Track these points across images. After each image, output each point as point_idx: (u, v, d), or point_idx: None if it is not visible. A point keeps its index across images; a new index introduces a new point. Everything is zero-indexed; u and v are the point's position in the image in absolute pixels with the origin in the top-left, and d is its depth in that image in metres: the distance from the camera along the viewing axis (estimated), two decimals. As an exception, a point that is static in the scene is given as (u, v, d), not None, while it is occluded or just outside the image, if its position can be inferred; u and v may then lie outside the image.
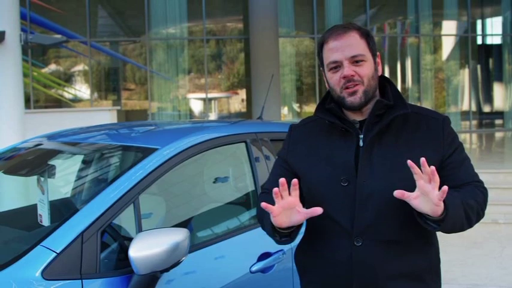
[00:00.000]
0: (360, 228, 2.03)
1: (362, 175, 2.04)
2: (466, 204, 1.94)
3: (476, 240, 7.31)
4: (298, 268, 2.30)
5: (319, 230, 2.14)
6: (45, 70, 17.22)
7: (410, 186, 1.90)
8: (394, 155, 2.04)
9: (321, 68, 2.19)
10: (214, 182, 3.64)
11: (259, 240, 3.04)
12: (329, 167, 2.10)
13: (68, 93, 17.55)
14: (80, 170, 3.66)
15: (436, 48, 19.30)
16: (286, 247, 3.08)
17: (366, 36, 2.10)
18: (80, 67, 17.50)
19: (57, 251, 2.37)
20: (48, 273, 2.30)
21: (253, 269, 3.01)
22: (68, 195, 3.60)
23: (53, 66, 17.47)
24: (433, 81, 19.00)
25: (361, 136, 2.08)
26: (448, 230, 1.94)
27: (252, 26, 15.10)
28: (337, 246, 2.07)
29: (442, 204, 1.83)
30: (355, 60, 2.05)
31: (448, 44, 19.39)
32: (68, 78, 17.58)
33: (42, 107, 15.82)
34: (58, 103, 16.76)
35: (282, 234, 2.01)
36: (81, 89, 17.45)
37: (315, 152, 2.16)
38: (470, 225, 2.01)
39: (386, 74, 17.64)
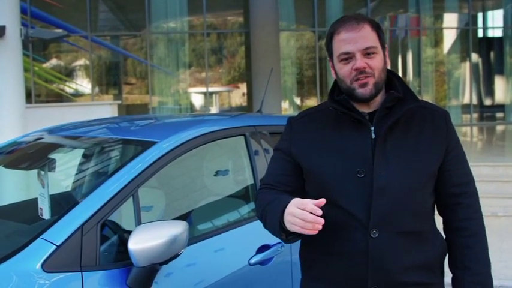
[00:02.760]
0: (376, 220, 2.01)
1: (378, 167, 2.03)
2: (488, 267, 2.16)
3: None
4: (303, 263, 2.27)
5: (331, 223, 2.02)
6: (46, 65, 17.23)
7: (423, 178, 2.03)
8: (406, 147, 2.06)
9: (329, 58, 2.17)
10: (213, 175, 3.66)
11: (258, 232, 3.03)
12: (343, 158, 2.07)
13: (69, 87, 17.56)
14: (80, 163, 3.68)
15: (437, 41, 19.28)
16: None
17: (377, 28, 2.09)
18: (80, 62, 17.51)
19: (57, 244, 2.39)
20: (49, 266, 2.33)
21: (252, 261, 3.03)
22: (68, 189, 3.63)
23: (53, 61, 17.48)
24: (434, 74, 18.99)
25: (372, 128, 2.08)
26: None
27: (253, 20, 15.09)
28: (351, 239, 2.05)
29: None
30: (367, 53, 2.04)
31: (449, 37, 19.37)
32: (69, 73, 17.59)
33: (43, 101, 15.84)
34: (59, 98, 16.77)
35: (289, 233, 1.96)
36: (82, 84, 17.47)
37: (324, 143, 2.13)
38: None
39: (388, 67, 17.67)
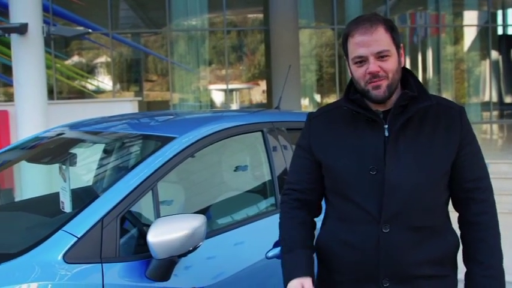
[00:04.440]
0: (387, 215, 2.06)
1: (390, 164, 2.07)
2: (500, 260, 2.17)
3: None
4: (319, 254, 2.31)
5: (345, 218, 2.16)
6: (68, 62, 17.38)
7: (435, 175, 2.07)
8: (418, 145, 2.10)
9: (345, 58, 2.20)
10: (231, 170, 3.70)
11: (274, 227, 3.09)
12: (357, 155, 2.13)
13: (90, 84, 17.70)
14: (101, 158, 3.75)
15: (457, 38, 19.15)
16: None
17: (391, 30, 2.11)
18: (102, 59, 17.64)
19: (78, 236, 2.45)
20: (70, 257, 2.39)
21: (269, 254, 3.06)
22: (89, 183, 3.69)
23: (75, 58, 17.64)
24: (454, 72, 18.87)
25: (386, 126, 2.12)
26: None
27: (272, 17, 15.12)
28: (364, 233, 2.11)
29: None
30: (381, 56, 2.07)
31: (468, 35, 19.23)
32: (90, 70, 17.73)
33: (65, 98, 15.98)
34: (81, 94, 16.92)
35: None
36: (104, 81, 17.60)
37: (341, 141, 2.18)
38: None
39: (407, 65, 17.56)
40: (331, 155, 2.19)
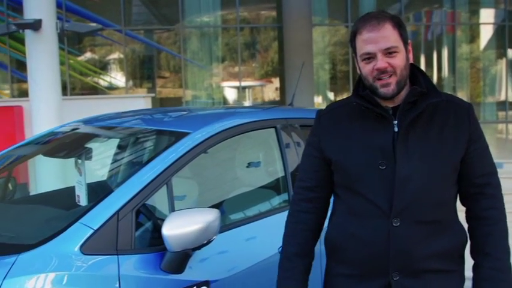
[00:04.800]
0: (398, 210, 2.09)
1: (400, 159, 2.10)
2: (508, 253, 2.19)
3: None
4: (328, 248, 2.36)
5: (355, 212, 2.19)
6: (81, 58, 17.47)
7: (444, 170, 2.12)
8: (428, 140, 2.12)
9: (354, 55, 2.24)
10: (244, 166, 3.74)
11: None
12: (366, 151, 2.16)
13: (103, 80, 17.78)
14: (116, 153, 3.80)
15: (473, 37, 19.05)
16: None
17: (398, 26, 2.13)
18: (114, 55, 17.71)
19: (95, 228, 2.50)
20: (87, 249, 2.44)
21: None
22: (105, 177, 3.74)
23: (88, 54, 17.72)
24: (470, 70, 18.78)
25: (395, 122, 2.14)
26: None
27: (286, 14, 15.13)
28: (374, 227, 2.13)
29: None
30: (389, 52, 2.09)
31: (484, 33, 19.11)
32: (103, 66, 17.81)
33: (78, 94, 16.06)
34: (94, 91, 16.99)
35: None
36: (116, 77, 17.68)
37: (350, 137, 2.21)
38: None
39: (422, 63, 17.51)
40: (341, 150, 2.22)
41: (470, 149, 2.16)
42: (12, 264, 2.31)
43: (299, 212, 2.35)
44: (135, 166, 3.35)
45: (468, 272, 2.24)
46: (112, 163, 3.81)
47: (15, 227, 3.04)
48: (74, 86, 16.62)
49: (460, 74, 18.18)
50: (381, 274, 2.15)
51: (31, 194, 4.17)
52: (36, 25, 7.10)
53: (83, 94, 15.85)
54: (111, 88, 17.56)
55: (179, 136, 3.02)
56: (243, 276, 2.93)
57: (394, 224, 2.10)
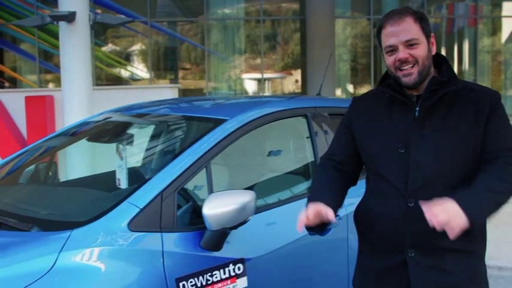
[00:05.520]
0: (412, 191, 2.26)
1: (414, 143, 2.27)
2: (494, 193, 2.15)
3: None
4: (357, 226, 2.55)
5: (378, 192, 2.40)
6: (106, 49, 17.71)
7: (459, 153, 2.24)
8: (445, 125, 2.27)
9: (381, 49, 2.41)
10: (277, 152, 3.91)
11: (317, 205, 3.32)
12: (388, 135, 2.35)
13: (128, 71, 18.01)
14: (156, 138, 3.99)
15: (495, 30, 19.00)
16: (341, 213, 3.33)
17: (420, 20, 2.30)
18: (139, 46, 17.92)
19: (141, 207, 2.69)
20: (134, 225, 2.63)
21: (311, 231, 3.28)
22: (145, 162, 3.93)
23: (113, 46, 17.95)
24: (491, 63, 18.74)
25: (417, 109, 2.31)
26: (484, 221, 2.21)
27: (309, 7, 15.22)
28: (392, 206, 2.31)
29: (458, 221, 2.04)
30: (410, 44, 2.27)
31: (507, 26, 19.05)
32: (128, 57, 18.03)
33: (103, 84, 16.30)
34: (118, 81, 17.23)
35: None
36: (141, 68, 17.88)
37: (376, 121, 2.41)
38: (506, 201, 2.20)
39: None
40: (367, 133, 2.43)
41: (486, 127, 2.25)
42: (67, 239, 2.51)
43: (327, 167, 2.53)
44: (177, 150, 3.53)
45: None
46: (154, 147, 3.99)
47: (64, 207, 3.25)
48: (99, 77, 16.87)
49: (481, 67, 18.15)
50: (398, 250, 2.32)
51: (71, 178, 4.37)
52: (70, 17, 7.28)
53: (107, 85, 16.08)
54: (135, 79, 17.77)
55: (217, 122, 3.21)
56: (274, 255, 3.11)
57: (409, 204, 2.27)
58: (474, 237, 2.30)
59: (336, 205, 2.35)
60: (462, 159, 2.26)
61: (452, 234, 2.03)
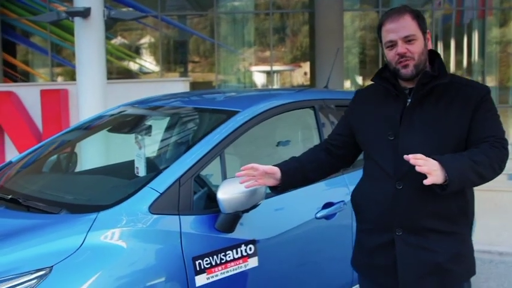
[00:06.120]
0: (399, 175, 2.47)
1: (403, 130, 2.49)
2: (474, 162, 2.27)
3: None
4: (354, 207, 2.78)
5: (371, 176, 2.64)
6: (116, 42, 17.87)
7: (445, 141, 2.44)
8: (433, 115, 2.46)
9: (380, 44, 2.63)
10: (287, 142, 4.13)
11: (323, 192, 3.61)
12: (380, 124, 2.57)
13: (138, 65, 18.17)
14: (172, 129, 4.20)
15: (504, 21, 19.03)
16: (347, 199, 3.54)
17: (417, 17, 2.52)
18: (149, 40, 18.08)
19: (160, 192, 2.93)
20: (154, 208, 2.87)
21: (319, 215, 3.52)
22: (162, 152, 4.15)
23: (124, 39, 18.11)
24: (500, 55, 18.77)
25: (409, 100, 2.52)
26: (458, 189, 2.31)
27: (317, 0, 15.34)
28: (382, 189, 2.53)
29: (437, 173, 2.20)
30: (408, 40, 2.48)
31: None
32: (138, 51, 18.19)
33: (113, 78, 16.48)
34: (128, 75, 17.39)
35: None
36: (151, 62, 18.05)
37: (372, 111, 2.64)
38: (485, 180, 2.34)
39: (452, 49, 17.62)
40: (362, 122, 2.69)
41: (473, 119, 2.42)
42: (94, 220, 2.74)
43: (318, 148, 2.88)
44: (193, 140, 3.74)
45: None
46: (170, 138, 4.20)
47: (87, 192, 3.48)
48: (110, 70, 17.02)
49: (489, 59, 18.22)
50: (387, 230, 2.53)
51: (90, 168, 4.60)
52: (85, 13, 7.43)
53: (117, 78, 16.25)
54: (145, 72, 17.92)
55: (230, 114, 3.44)
56: (284, 237, 3.34)
57: (397, 187, 2.48)
58: (457, 219, 2.49)
59: (295, 170, 2.74)
60: (446, 147, 2.41)
61: (428, 181, 2.17)
